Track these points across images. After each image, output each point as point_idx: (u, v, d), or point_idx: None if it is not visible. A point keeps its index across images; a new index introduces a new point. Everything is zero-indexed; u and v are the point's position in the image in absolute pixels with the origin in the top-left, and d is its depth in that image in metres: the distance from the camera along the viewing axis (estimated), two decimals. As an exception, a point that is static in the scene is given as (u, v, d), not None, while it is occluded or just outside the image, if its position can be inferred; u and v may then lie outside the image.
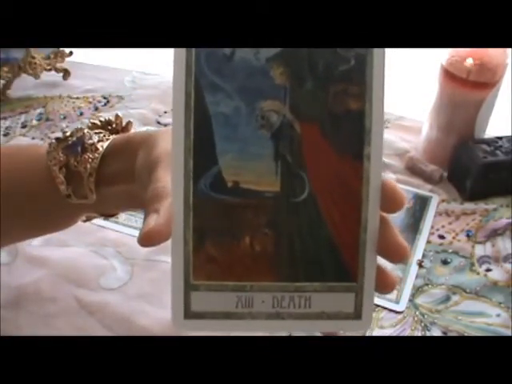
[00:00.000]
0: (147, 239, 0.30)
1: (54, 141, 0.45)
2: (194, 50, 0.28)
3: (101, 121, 0.47)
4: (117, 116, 0.48)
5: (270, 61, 0.28)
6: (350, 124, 0.29)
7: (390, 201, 0.29)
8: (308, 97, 0.28)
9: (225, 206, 0.28)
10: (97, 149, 0.43)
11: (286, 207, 0.29)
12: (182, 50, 0.28)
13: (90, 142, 0.43)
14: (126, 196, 0.42)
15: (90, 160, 0.42)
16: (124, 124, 0.48)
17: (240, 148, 0.29)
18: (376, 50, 0.28)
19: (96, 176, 0.42)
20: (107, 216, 0.48)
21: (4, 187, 0.44)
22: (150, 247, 0.30)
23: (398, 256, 0.30)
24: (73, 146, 0.43)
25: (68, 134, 0.45)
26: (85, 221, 0.48)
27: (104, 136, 0.44)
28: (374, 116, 0.28)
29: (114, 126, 0.47)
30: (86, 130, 0.44)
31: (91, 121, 0.47)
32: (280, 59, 0.28)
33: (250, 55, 0.28)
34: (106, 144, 0.43)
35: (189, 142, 0.28)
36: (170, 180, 0.29)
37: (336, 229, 0.29)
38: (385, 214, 0.30)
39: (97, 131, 0.45)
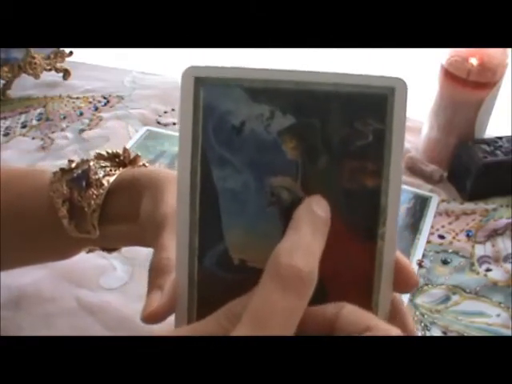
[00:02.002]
0: (150, 319, 0.30)
1: (58, 170, 0.43)
2: (201, 121, 0.26)
3: (108, 152, 0.46)
4: (125, 149, 0.46)
5: (282, 134, 0.26)
6: (365, 202, 0.27)
7: (401, 281, 0.27)
8: (321, 174, 0.26)
9: (231, 283, 0.26)
10: (102, 184, 0.41)
11: None
12: (189, 121, 0.26)
13: (96, 177, 0.42)
14: (128, 235, 0.41)
15: (94, 196, 0.41)
16: (132, 157, 0.46)
17: (248, 225, 0.27)
18: (395, 126, 0.27)
19: (99, 213, 0.41)
20: (110, 250, 0.46)
21: (6, 214, 0.43)
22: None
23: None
24: (77, 179, 0.42)
25: (73, 165, 0.43)
26: (88, 252, 0.47)
27: (110, 170, 0.43)
28: (390, 194, 0.27)
29: (121, 158, 0.46)
30: (91, 163, 0.43)
31: (97, 151, 0.46)
32: (292, 132, 0.26)
33: (261, 128, 0.26)
34: (111, 179, 0.42)
35: (194, 217, 0.27)
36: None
37: None
38: (398, 298, 0.28)
39: (103, 164, 0.44)
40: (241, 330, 0.23)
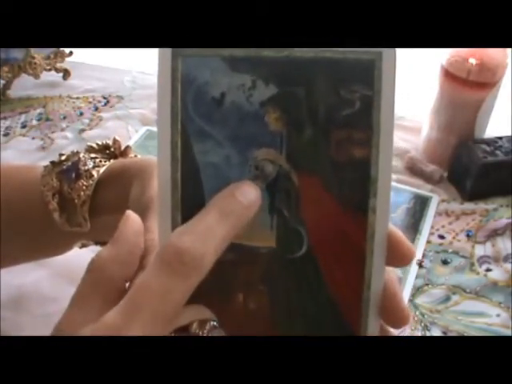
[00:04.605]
0: None
1: (49, 164, 0.43)
2: (179, 93, 0.25)
3: (98, 144, 0.46)
4: (114, 140, 0.46)
5: (265, 105, 0.25)
6: (354, 174, 0.26)
7: (396, 254, 0.27)
8: (307, 145, 0.25)
9: (215, 262, 0.25)
10: (91, 175, 0.41)
11: (282, 264, 0.26)
12: (167, 95, 0.25)
13: (85, 168, 0.42)
14: None
15: (83, 188, 0.41)
16: (122, 149, 0.46)
17: None
18: (384, 92, 0.25)
19: (90, 204, 0.41)
20: (103, 244, 0.45)
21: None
22: None
23: (400, 323, 0.27)
24: (67, 171, 0.42)
25: (63, 157, 0.43)
26: (81, 247, 0.46)
27: (100, 161, 0.43)
28: (380, 164, 0.25)
29: (111, 150, 0.46)
30: (81, 155, 0.43)
31: (88, 144, 0.46)
32: (276, 103, 0.25)
33: (242, 99, 0.25)
34: (101, 170, 0.42)
35: (176, 195, 0.26)
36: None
37: (337, 286, 0.27)
38: (391, 275, 0.27)
39: (93, 156, 0.44)
40: (116, 310, 0.23)
